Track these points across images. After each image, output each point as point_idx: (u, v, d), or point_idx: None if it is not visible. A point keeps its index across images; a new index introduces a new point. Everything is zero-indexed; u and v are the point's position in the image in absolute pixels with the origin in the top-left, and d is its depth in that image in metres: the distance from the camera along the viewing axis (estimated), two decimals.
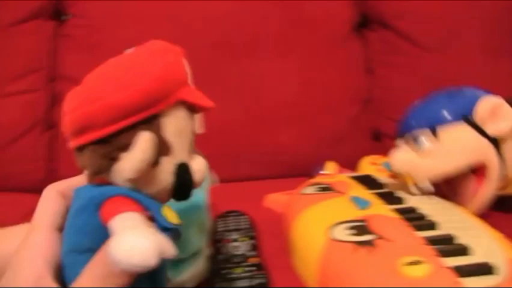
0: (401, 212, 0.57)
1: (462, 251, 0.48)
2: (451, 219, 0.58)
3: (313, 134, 1.01)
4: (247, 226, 0.66)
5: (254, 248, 0.61)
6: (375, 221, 0.54)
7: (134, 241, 0.32)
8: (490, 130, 0.65)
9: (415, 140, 0.67)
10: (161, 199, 0.40)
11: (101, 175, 0.37)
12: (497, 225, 0.60)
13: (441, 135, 0.65)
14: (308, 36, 1.03)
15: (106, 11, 1.01)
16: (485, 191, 0.67)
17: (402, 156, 0.67)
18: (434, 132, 0.66)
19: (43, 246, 0.38)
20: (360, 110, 1.07)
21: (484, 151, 0.66)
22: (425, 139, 0.66)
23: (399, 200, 0.62)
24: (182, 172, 0.40)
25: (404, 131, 0.70)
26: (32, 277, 0.36)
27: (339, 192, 0.65)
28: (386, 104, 1.08)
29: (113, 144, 0.37)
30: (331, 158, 0.89)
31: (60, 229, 0.40)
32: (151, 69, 0.38)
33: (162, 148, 0.38)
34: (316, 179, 0.73)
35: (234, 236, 0.64)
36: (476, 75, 0.98)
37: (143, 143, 0.36)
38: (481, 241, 0.51)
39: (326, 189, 0.66)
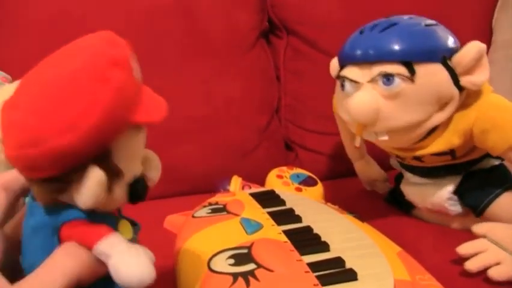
0: (292, 233, 0.54)
1: (347, 277, 0.45)
2: (348, 237, 0.55)
3: (220, 147, 0.97)
4: None
5: None
6: (259, 247, 0.50)
7: (140, 261, 0.35)
8: (465, 81, 0.58)
9: (385, 75, 0.56)
10: (116, 208, 0.41)
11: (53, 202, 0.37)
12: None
13: (418, 77, 0.56)
14: (212, 46, 1.00)
15: None
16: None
17: (366, 99, 0.57)
18: (411, 70, 0.56)
19: None
20: (269, 120, 1.03)
21: (451, 101, 0.58)
22: (400, 77, 0.56)
23: (296, 219, 0.59)
24: (137, 188, 0.39)
25: (368, 57, 0.58)
26: None
27: (231, 213, 0.60)
28: (295, 112, 1.05)
29: (62, 180, 0.35)
30: (241, 172, 0.86)
31: (1, 224, 0.40)
32: (99, 98, 0.33)
33: (114, 176, 0.36)
34: (215, 198, 0.69)
35: None
36: None
37: (95, 184, 0.34)
38: (372, 263, 0.49)
39: (219, 210, 0.62)
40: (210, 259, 0.49)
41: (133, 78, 0.37)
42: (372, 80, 0.58)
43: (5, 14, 0.94)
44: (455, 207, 0.67)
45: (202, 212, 0.63)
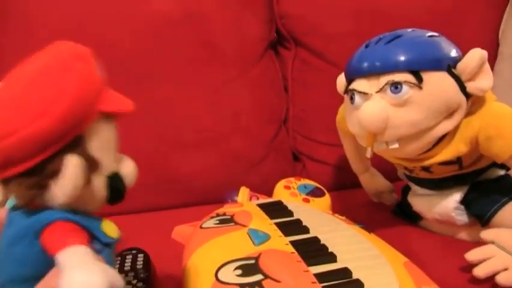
0: (299, 244, 0.54)
1: (353, 287, 0.46)
2: (354, 248, 0.56)
3: (228, 158, 0.98)
4: (140, 266, 0.62)
5: None
6: (267, 257, 0.51)
7: (85, 278, 0.32)
8: (471, 87, 0.59)
9: (393, 84, 0.58)
10: (96, 208, 0.40)
11: (32, 203, 0.36)
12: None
13: (426, 84, 0.58)
14: (220, 57, 1.01)
15: None
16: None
17: (376, 108, 0.58)
18: (418, 78, 0.58)
19: None
20: (277, 131, 1.04)
21: (459, 109, 0.60)
22: (408, 85, 0.57)
23: (303, 230, 0.59)
24: (115, 183, 0.40)
25: (375, 69, 0.60)
26: None
27: (239, 224, 0.61)
28: (303, 123, 1.06)
29: (40, 173, 0.35)
30: (249, 183, 0.86)
31: None
32: (65, 88, 0.35)
33: (91, 166, 0.37)
34: (223, 209, 0.70)
35: (128, 278, 0.60)
36: None
37: (72, 169, 0.35)
38: (378, 273, 0.49)
39: (227, 221, 0.62)
40: (218, 270, 0.50)
41: (95, 71, 0.39)
42: (381, 90, 0.59)
43: (14, 25, 0.95)
44: (462, 217, 0.67)
45: (210, 222, 0.63)
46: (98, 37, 0.94)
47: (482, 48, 0.60)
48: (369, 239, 0.59)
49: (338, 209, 0.76)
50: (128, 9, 0.97)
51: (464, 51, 0.62)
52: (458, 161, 0.64)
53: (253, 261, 0.50)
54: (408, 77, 0.58)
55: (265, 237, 0.56)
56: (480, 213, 0.65)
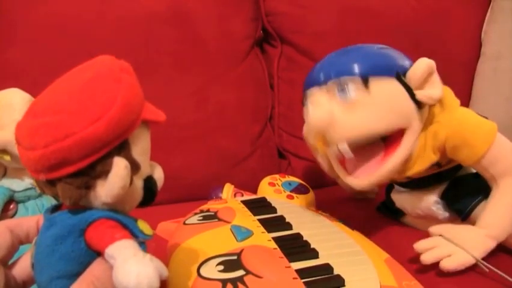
0: (282, 240, 0.55)
1: (334, 283, 0.47)
2: (337, 244, 0.56)
3: (213, 155, 0.98)
4: None
5: None
6: (249, 253, 0.51)
7: (141, 269, 0.34)
8: (420, 95, 0.61)
9: (341, 87, 0.60)
10: (131, 209, 0.42)
11: (77, 202, 0.38)
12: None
13: (373, 88, 0.59)
14: (206, 55, 1.01)
15: None
16: (394, 160, 0.62)
17: (322, 110, 0.60)
18: (365, 82, 0.59)
19: None
20: (262, 128, 1.04)
21: (410, 115, 0.61)
22: (354, 88, 0.59)
23: (286, 226, 0.60)
24: (150, 185, 0.42)
25: (326, 77, 0.61)
26: None
27: (222, 221, 0.61)
28: (288, 121, 1.06)
29: (89, 174, 0.37)
30: (234, 180, 0.87)
31: (2, 261, 0.41)
32: (116, 95, 0.38)
33: (133, 169, 0.39)
34: (207, 205, 0.70)
35: None
36: None
37: (121, 170, 0.37)
38: (359, 269, 0.50)
39: (210, 217, 0.63)
40: (200, 265, 0.50)
41: (137, 83, 0.42)
42: (330, 93, 0.61)
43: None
44: (443, 212, 0.68)
45: (194, 219, 0.63)
46: (84, 34, 0.94)
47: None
48: (352, 235, 0.60)
49: (321, 205, 0.76)
50: (115, 7, 0.97)
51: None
52: (436, 163, 0.65)
53: (235, 257, 0.50)
54: (355, 80, 0.59)
55: (248, 234, 0.56)
56: (460, 208, 0.66)
